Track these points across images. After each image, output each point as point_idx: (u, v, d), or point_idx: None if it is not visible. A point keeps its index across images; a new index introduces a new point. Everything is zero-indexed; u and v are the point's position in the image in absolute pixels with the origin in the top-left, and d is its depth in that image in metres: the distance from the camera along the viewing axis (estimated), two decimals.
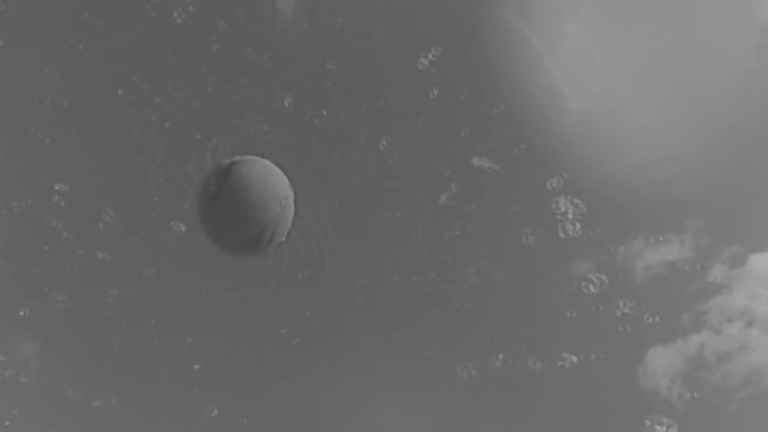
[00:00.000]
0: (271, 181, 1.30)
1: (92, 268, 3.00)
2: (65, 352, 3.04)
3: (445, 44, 2.61)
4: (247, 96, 3.01)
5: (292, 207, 1.33)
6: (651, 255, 2.86)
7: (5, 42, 2.90)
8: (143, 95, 2.98)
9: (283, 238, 1.37)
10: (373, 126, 2.91)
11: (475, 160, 2.56)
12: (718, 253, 2.87)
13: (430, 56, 2.56)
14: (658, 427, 2.49)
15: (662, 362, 2.87)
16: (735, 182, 2.98)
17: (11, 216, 2.88)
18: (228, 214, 1.25)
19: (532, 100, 3.01)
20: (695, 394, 2.79)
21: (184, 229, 2.77)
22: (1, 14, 2.96)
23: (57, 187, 2.81)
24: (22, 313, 2.90)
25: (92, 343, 3.07)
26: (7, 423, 2.79)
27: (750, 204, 2.93)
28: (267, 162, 1.34)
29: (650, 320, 2.64)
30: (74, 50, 2.97)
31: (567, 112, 3.02)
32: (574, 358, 2.64)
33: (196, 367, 3.02)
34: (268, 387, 3.16)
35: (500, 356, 2.85)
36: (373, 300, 3.09)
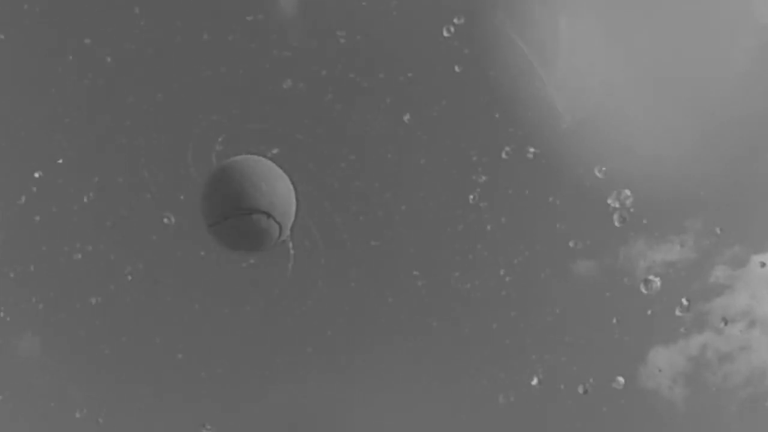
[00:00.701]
0: (263, 170, 1.25)
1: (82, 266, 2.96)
2: (66, 351, 3.01)
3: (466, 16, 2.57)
4: (245, 75, 2.97)
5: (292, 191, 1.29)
6: (652, 255, 2.87)
7: None
8: (129, 81, 2.94)
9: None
10: (392, 105, 2.87)
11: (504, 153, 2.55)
12: (720, 253, 2.88)
13: (454, 22, 2.51)
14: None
15: (664, 362, 2.88)
16: (736, 183, 3.00)
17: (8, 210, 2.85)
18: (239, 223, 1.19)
19: (533, 103, 3.01)
20: None
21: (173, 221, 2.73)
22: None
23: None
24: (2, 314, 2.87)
25: (87, 344, 3.03)
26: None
27: (751, 205, 2.95)
28: (252, 158, 1.28)
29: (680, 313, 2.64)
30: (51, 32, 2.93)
31: (568, 111, 3.02)
32: (622, 380, 2.63)
33: (203, 374, 2.98)
34: (271, 398, 3.12)
35: (539, 377, 2.84)
36: (387, 306, 3.06)
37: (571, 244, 2.96)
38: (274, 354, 3.24)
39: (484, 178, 3.02)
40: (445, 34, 2.52)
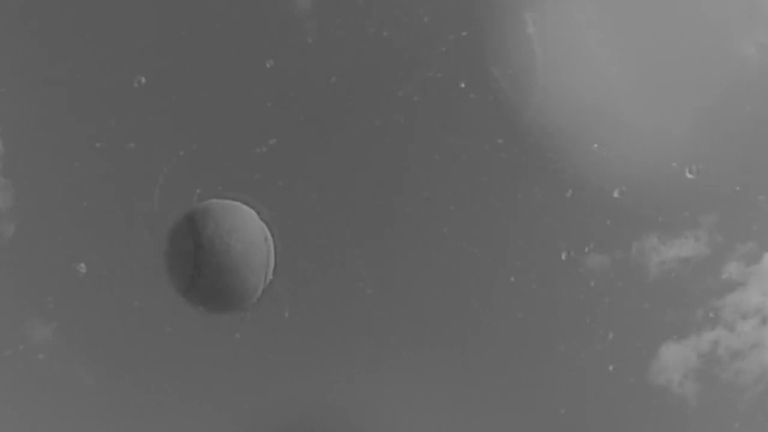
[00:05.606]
0: (248, 230, 1.11)
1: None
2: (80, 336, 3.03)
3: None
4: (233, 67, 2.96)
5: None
6: (665, 251, 2.87)
7: None
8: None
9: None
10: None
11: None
12: (733, 250, 2.87)
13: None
14: None
15: (675, 358, 2.87)
16: (749, 179, 2.99)
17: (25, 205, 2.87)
18: (216, 290, 1.06)
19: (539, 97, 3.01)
20: None
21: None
22: None
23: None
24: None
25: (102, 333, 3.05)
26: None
27: (765, 201, 2.94)
28: (232, 206, 1.13)
29: None
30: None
31: (578, 105, 3.02)
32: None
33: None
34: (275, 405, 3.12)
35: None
36: (397, 315, 3.06)
37: (582, 239, 2.96)
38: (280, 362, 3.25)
39: (493, 177, 3.03)
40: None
